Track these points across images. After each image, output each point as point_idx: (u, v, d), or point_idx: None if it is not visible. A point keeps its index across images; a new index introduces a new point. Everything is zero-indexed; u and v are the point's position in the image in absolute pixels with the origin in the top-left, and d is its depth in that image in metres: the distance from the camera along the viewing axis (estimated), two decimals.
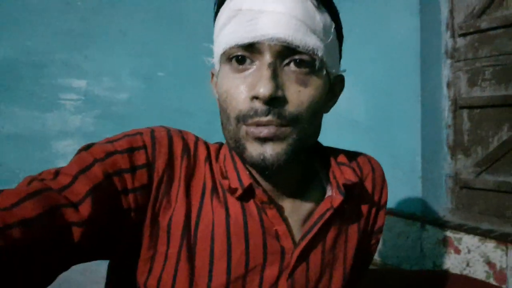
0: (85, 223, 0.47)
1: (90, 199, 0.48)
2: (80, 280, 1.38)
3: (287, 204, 0.63)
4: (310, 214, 0.63)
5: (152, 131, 0.59)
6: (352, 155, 0.73)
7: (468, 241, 1.22)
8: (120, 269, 0.61)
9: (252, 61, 0.54)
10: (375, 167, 0.73)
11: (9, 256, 0.40)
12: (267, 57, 0.52)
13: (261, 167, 0.55)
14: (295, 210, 0.63)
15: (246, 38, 0.52)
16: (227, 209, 0.58)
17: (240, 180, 0.58)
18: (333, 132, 1.69)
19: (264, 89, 0.50)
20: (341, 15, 0.62)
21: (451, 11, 1.39)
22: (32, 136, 1.40)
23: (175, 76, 1.72)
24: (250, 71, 0.54)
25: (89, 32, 1.54)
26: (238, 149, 0.56)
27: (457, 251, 1.24)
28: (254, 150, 0.54)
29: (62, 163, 1.39)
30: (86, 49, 1.53)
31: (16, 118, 1.38)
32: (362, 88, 1.57)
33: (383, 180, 0.73)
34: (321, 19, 0.55)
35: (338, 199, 0.60)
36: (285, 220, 0.61)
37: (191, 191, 0.58)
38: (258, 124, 0.53)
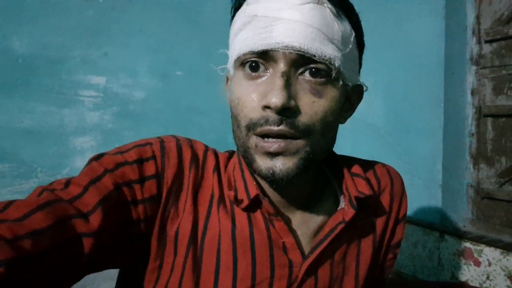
0: (95, 234, 0.47)
1: (100, 210, 0.48)
2: (93, 277, 1.39)
3: (297, 216, 0.61)
4: (321, 226, 0.61)
5: (162, 141, 0.58)
6: (369, 165, 0.70)
7: (489, 253, 1.18)
8: (129, 278, 0.61)
9: (266, 69, 0.52)
10: (394, 178, 0.70)
11: (20, 268, 0.40)
12: (281, 66, 0.51)
13: (270, 180, 0.53)
14: (305, 222, 0.61)
15: (260, 45, 0.51)
16: (233, 220, 0.57)
17: (247, 190, 0.57)
18: (350, 137, 1.66)
19: (276, 98, 0.48)
20: (362, 18, 0.59)
21: (478, 17, 1.36)
22: (50, 131, 1.41)
23: (191, 74, 1.72)
24: (263, 79, 0.52)
25: (108, 28, 1.54)
26: (247, 159, 0.55)
27: (477, 263, 1.21)
28: (263, 163, 0.52)
29: (79, 160, 1.40)
30: (105, 45, 1.53)
31: (34, 114, 1.39)
32: (382, 92, 1.54)
33: (403, 192, 0.71)
34: (340, 27, 0.53)
35: (350, 213, 0.59)
36: (293, 232, 0.59)
37: (198, 201, 0.58)
38: (268, 134, 0.51)
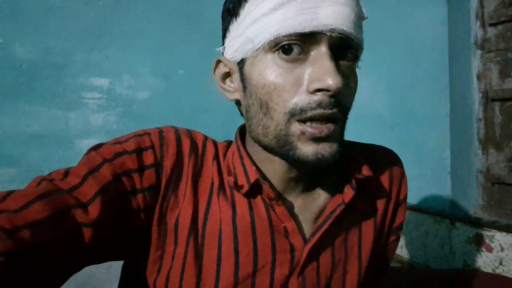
0: (95, 224, 0.47)
1: (99, 200, 0.48)
2: (105, 276, 1.40)
3: (299, 200, 0.60)
4: (322, 210, 0.61)
5: (160, 131, 0.58)
6: (369, 149, 0.70)
7: (501, 238, 1.17)
8: (131, 269, 0.61)
9: (303, 51, 0.51)
10: (393, 160, 0.70)
11: (19, 258, 0.40)
12: (325, 48, 0.50)
13: (316, 166, 0.52)
14: (307, 206, 0.61)
15: (307, 27, 0.48)
16: (233, 207, 0.57)
17: (246, 176, 0.57)
18: (356, 128, 1.65)
19: (334, 81, 0.47)
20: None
21: (481, 0, 1.34)
22: (56, 135, 1.41)
23: (194, 74, 1.72)
24: (305, 61, 0.51)
25: (109, 31, 1.55)
26: (283, 148, 0.53)
27: (489, 249, 1.19)
28: (309, 149, 0.51)
29: None
30: (107, 48, 1.54)
31: (40, 118, 1.39)
32: (387, 81, 1.53)
33: (402, 174, 0.70)
34: (365, 14, 0.55)
35: (349, 194, 0.58)
36: (294, 216, 0.59)
37: (198, 190, 0.57)
38: (320, 118, 0.50)
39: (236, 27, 0.56)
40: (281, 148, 0.53)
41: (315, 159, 0.51)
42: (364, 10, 0.55)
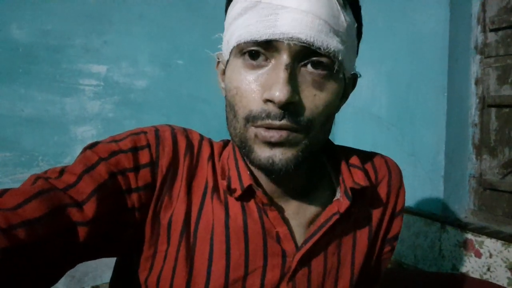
0: (90, 223, 0.47)
1: (94, 199, 0.48)
2: (96, 263, 1.40)
3: (292, 206, 0.60)
4: (316, 216, 0.61)
5: (157, 130, 0.58)
6: (367, 156, 0.69)
7: (490, 244, 1.18)
8: (124, 267, 0.61)
9: (267, 58, 0.50)
10: (392, 169, 0.69)
11: (15, 256, 0.40)
12: (284, 57, 0.48)
13: (269, 170, 0.52)
14: (300, 212, 0.60)
15: (264, 34, 0.48)
16: (227, 209, 0.57)
17: (240, 180, 0.57)
18: (353, 127, 1.65)
19: (280, 93, 0.47)
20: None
21: (483, 5, 1.33)
22: (51, 120, 1.41)
23: (193, 63, 1.71)
24: (264, 69, 0.50)
25: (109, 16, 1.53)
26: (244, 149, 0.54)
27: (478, 255, 1.20)
28: (262, 153, 0.51)
29: (80, 149, 1.39)
30: (106, 33, 1.52)
31: (35, 102, 1.38)
32: (386, 82, 1.52)
33: (400, 184, 0.69)
34: (346, 19, 0.52)
35: (344, 204, 0.58)
36: (287, 222, 0.59)
37: (192, 190, 0.57)
38: (269, 127, 0.50)
39: (225, 26, 0.57)
40: (243, 150, 0.54)
41: (267, 163, 0.51)
42: (343, 16, 0.51)
